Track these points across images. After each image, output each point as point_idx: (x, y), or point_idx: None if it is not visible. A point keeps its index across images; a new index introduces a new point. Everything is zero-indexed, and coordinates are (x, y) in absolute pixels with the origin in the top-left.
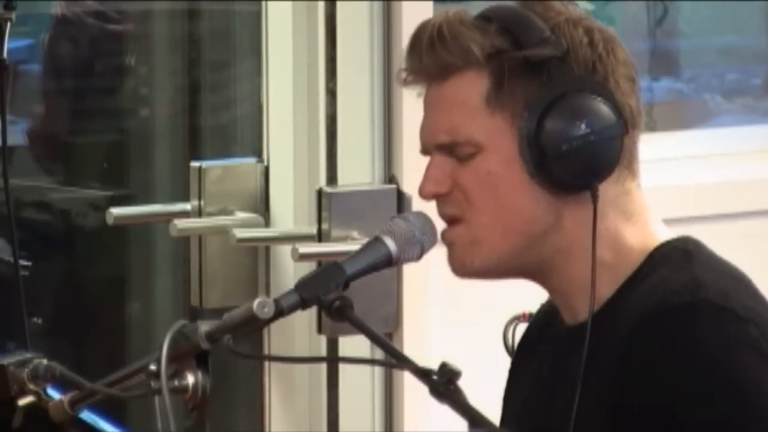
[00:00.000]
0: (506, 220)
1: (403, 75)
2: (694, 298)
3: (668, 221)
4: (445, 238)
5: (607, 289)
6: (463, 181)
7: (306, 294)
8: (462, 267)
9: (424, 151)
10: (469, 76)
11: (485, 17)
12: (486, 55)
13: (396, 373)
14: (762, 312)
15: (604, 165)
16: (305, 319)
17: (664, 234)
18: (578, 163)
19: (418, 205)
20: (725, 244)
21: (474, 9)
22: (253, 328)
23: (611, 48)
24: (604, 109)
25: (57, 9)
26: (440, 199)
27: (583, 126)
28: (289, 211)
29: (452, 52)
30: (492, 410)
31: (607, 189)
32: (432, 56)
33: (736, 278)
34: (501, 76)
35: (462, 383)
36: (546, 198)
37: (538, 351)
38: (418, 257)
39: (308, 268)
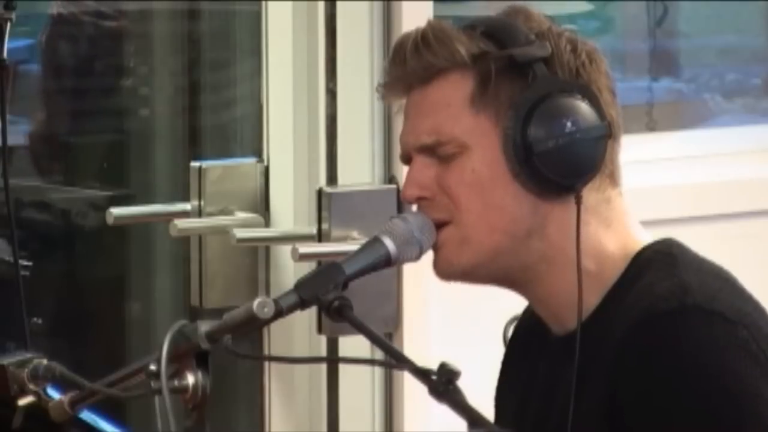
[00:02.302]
0: (491, 218)
1: (383, 88)
2: (682, 303)
3: (668, 221)
4: (435, 242)
5: (593, 297)
6: (447, 181)
7: (305, 294)
8: (448, 267)
9: (405, 158)
10: (454, 78)
11: (468, 25)
12: (471, 56)
13: (396, 373)
14: (750, 311)
15: (588, 165)
16: (305, 319)
17: (643, 237)
18: (562, 163)
19: (415, 206)
20: (725, 244)
21: (472, 9)
22: (253, 328)
23: (593, 58)
24: (588, 110)
25: (54, 9)
26: (424, 203)
27: (568, 125)
28: (289, 211)
29: (438, 54)
30: (492, 410)
31: (588, 196)
32: (417, 59)
33: (721, 279)
34: (487, 77)
35: (461, 383)
36: (530, 199)
37: (529, 356)
38: (417, 257)
39: (308, 268)
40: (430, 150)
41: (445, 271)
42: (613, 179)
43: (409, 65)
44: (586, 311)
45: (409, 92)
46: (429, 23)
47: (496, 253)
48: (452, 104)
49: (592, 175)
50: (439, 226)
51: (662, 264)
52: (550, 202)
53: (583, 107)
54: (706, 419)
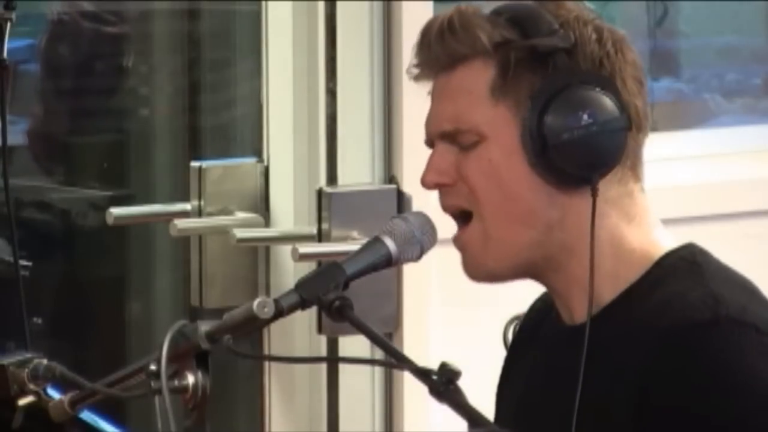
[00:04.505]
0: (509, 210)
1: (413, 69)
2: (716, 314)
3: (668, 221)
4: (458, 242)
5: (607, 292)
6: (466, 171)
7: (306, 294)
8: (476, 269)
9: (429, 142)
10: (476, 65)
11: (496, 11)
12: (493, 44)
13: (396, 373)
14: None
15: (605, 158)
16: (305, 319)
17: (666, 241)
18: (578, 155)
19: (418, 205)
20: (725, 244)
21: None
22: (253, 328)
23: (620, 47)
24: (607, 102)
25: (53, 10)
26: (443, 189)
27: (585, 117)
28: (289, 211)
29: (461, 41)
30: (492, 410)
31: (609, 188)
32: (441, 45)
33: (747, 289)
34: (507, 66)
35: (462, 383)
36: (548, 191)
37: (530, 351)
38: (418, 257)
39: (308, 268)
40: (451, 137)
41: (474, 272)
42: (636, 173)
43: (434, 51)
44: (598, 305)
45: (436, 77)
46: (458, 8)
47: (519, 247)
48: (473, 91)
49: (610, 167)
50: (462, 222)
51: (689, 273)
52: (568, 194)
53: (602, 99)
54: (741, 428)
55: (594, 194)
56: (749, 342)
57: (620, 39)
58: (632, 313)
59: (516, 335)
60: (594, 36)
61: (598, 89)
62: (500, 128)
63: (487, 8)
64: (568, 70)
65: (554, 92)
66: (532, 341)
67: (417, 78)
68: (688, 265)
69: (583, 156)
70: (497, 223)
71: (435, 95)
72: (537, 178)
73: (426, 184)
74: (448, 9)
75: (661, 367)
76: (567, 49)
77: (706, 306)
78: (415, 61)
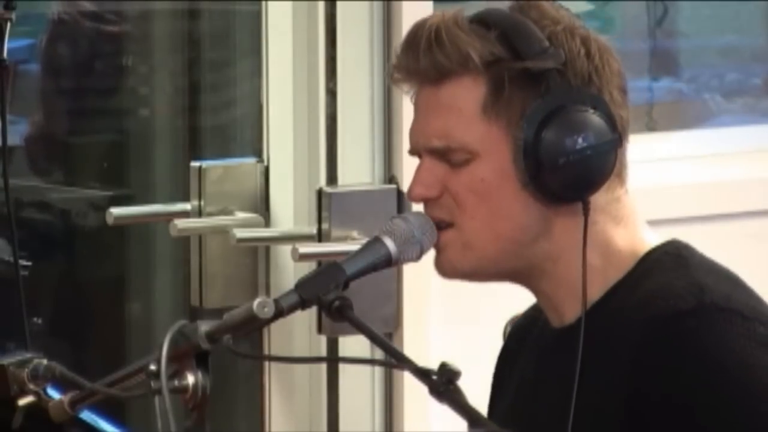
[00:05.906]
0: (496, 226)
1: (395, 73)
2: (700, 302)
3: (668, 221)
4: (436, 243)
5: (595, 291)
6: (454, 186)
7: (306, 294)
8: (451, 269)
9: (414, 152)
10: (466, 82)
11: (482, 21)
12: (484, 62)
13: (396, 373)
14: (763, 310)
15: (598, 178)
16: (305, 319)
17: (652, 238)
18: (573, 176)
19: (418, 205)
20: (725, 244)
21: (472, 9)
22: (253, 328)
23: (606, 59)
24: (600, 123)
25: (54, 10)
26: (429, 202)
27: (580, 140)
28: (289, 211)
29: (450, 57)
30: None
31: (598, 197)
32: (429, 59)
33: (731, 279)
34: (500, 85)
35: (462, 383)
36: (537, 207)
37: (519, 358)
38: (418, 257)
39: (308, 268)
40: (440, 153)
41: (447, 272)
42: (621, 178)
43: (422, 63)
44: (586, 304)
45: (420, 87)
46: (443, 18)
47: (500, 257)
48: (464, 109)
49: (602, 184)
50: (442, 227)
51: (673, 264)
52: (555, 209)
53: (595, 120)
54: (729, 415)
55: (586, 214)
56: (734, 328)
57: (605, 49)
58: (619, 307)
59: (504, 347)
60: (582, 50)
61: (590, 109)
62: (492, 147)
63: (469, 10)
64: (559, 89)
65: (548, 114)
66: (520, 351)
67: (398, 82)
68: (673, 258)
69: (577, 178)
70: (481, 237)
71: (421, 108)
72: (528, 196)
73: (413, 197)
74: (433, 16)
75: (649, 357)
76: (559, 69)
77: (691, 294)
78: (398, 66)
